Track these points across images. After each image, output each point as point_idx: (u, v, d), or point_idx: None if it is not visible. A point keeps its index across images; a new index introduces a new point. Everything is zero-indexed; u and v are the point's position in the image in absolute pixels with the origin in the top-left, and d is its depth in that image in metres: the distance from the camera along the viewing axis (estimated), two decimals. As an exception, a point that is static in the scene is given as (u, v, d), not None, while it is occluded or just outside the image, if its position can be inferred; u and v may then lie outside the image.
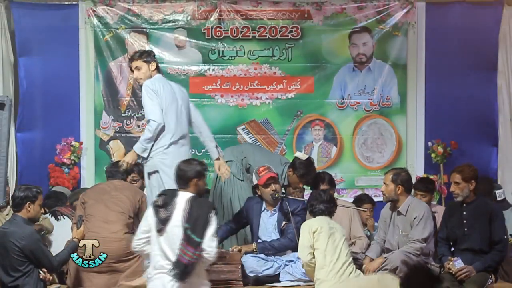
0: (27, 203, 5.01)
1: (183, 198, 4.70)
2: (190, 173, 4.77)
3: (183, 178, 4.79)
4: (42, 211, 5.30)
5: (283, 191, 6.07)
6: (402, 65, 7.77)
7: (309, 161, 6.32)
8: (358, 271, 5.33)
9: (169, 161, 5.28)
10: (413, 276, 3.75)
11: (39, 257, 4.95)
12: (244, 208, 6.07)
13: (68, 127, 7.49)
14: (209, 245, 4.60)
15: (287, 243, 5.74)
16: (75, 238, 5.33)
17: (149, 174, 5.46)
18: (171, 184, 5.07)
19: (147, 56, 5.58)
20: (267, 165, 5.98)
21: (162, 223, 4.61)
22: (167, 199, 4.69)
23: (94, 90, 7.57)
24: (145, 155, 5.35)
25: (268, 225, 5.92)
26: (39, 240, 5.02)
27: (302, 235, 5.26)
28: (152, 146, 5.36)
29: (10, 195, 5.65)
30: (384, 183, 5.75)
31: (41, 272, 4.97)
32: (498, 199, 6.64)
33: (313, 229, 5.20)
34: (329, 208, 5.38)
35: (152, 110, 5.34)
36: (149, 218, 4.71)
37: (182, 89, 5.75)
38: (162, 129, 5.36)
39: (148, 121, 5.36)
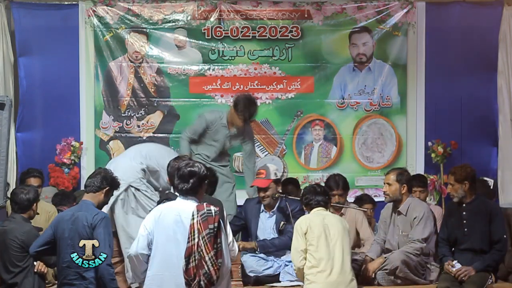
0: (33, 205, 5.21)
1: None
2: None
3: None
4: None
5: (280, 190, 6.00)
6: (402, 65, 7.76)
7: (249, 97, 6.56)
8: (354, 281, 5.14)
9: None
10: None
11: None
12: (242, 210, 6.06)
13: (68, 127, 7.47)
14: None
15: (287, 241, 5.71)
16: None
17: None
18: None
19: None
20: (265, 169, 5.95)
21: None
22: None
23: (94, 90, 7.55)
24: None
25: (266, 226, 5.92)
26: (38, 235, 5.08)
27: (295, 238, 5.21)
28: None
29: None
30: (387, 183, 5.74)
31: (35, 263, 5.06)
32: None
33: (304, 230, 5.15)
34: (325, 200, 5.35)
35: None
36: None
37: None
38: None
39: None
